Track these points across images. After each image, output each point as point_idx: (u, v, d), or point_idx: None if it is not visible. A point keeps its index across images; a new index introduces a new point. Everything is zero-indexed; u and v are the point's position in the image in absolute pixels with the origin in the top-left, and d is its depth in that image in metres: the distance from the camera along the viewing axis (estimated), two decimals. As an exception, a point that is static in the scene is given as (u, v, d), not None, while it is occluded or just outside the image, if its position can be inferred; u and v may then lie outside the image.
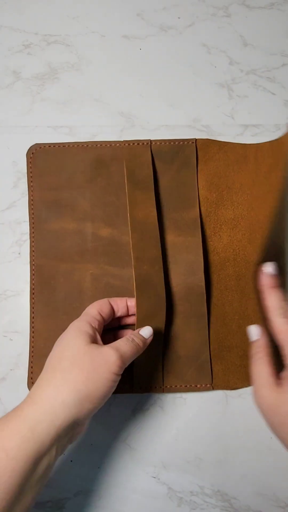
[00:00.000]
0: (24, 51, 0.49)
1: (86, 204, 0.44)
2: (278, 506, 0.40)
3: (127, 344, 0.34)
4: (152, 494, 0.40)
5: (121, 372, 0.33)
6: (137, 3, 0.50)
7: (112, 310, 0.39)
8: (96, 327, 0.36)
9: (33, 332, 0.42)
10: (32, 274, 0.43)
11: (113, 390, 0.32)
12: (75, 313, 0.41)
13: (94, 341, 0.34)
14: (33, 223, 0.44)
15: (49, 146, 0.45)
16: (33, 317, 0.42)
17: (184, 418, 0.42)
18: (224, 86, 0.48)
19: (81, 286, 0.42)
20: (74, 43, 0.49)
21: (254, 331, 0.37)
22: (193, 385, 0.41)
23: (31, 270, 0.43)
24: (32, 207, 0.44)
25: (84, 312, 0.38)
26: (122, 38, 0.49)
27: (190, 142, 0.44)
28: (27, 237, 0.45)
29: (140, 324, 0.40)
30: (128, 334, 0.36)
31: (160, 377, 0.41)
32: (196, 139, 0.44)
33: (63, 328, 0.39)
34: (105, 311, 0.38)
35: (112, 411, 0.42)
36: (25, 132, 0.47)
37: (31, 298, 0.42)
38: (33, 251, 0.43)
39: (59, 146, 0.45)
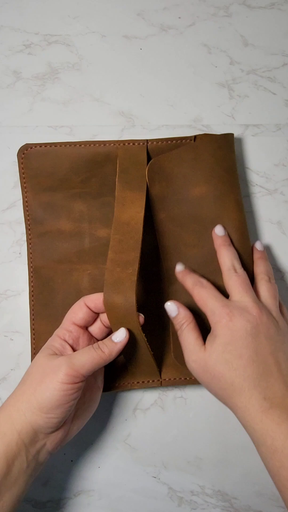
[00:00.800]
0: (25, 51, 0.49)
1: (82, 205, 0.43)
2: (279, 506, 0.40)
3: (87, 352, 0.34)
4: (152, 494, 0.40)
5: (76, 381, 0.33)
6: (138, 3, 0.50)
7: (90, 311, 0.38)
8: (66, 338, 0.37)
9: (33, 334, 0.42)
10: (30, 276, 0.43)
11: (70, 398, 0.33)
12: None
13: (59, 352, 0.36)
14: (29, 225, 0.43)
15: (40, 146, 0.43)
16: (33, 319, 0.42)
17: (185, 418, 0.42)
18: (224, 86, 0.48)
19: (79, 287, 0.42)
20: (75, 43, 0.49)
21: (173, 307, 0.38)
22: (192, 378, 0.40)
23: (29, 272, 0.43)
24: (27, 209, 0.43)
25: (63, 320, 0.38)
26: (122, 38, 0.49)
27: (188, 140, 0.43)
28: (27, 237, 0.45)
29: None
30: (99, 341, 0.36)
31: (157, 370, 0.40)
32: (195, 136, 0.42)
33: None
34: (79, 316, 0.37)
35: (112, 410, 0.42)
36: (25, 132, 0.47)
37: (31, 300, 0.42)
38: (31, 253, 0.43)
39: (51, 146, 0.43)
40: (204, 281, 0.38)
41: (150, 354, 0.39)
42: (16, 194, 0.46)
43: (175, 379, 0.41)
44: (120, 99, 0.48)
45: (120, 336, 0.36)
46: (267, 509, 0.40)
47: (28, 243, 0.43)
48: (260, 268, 0.39)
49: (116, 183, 0.41)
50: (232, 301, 0.36)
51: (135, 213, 0.40)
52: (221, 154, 0.41)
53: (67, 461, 0.41)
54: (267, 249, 0.44)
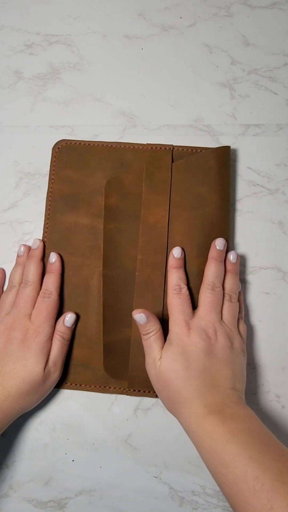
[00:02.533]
0: (26, 51, 0.49)
1: (102, 201, 0.44)
2: (280, 506, 0.40)
3: (60, 349, 0.40)
4: (153, 494, 0.40)
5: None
6: (139, 3, 0.50)
7: None
8: None
9: None
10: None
11: None
12: (79, 308, 0.42)
13: None
14: (49, 214, 0.44)
15: (75, 143, 0.45)
16: None
17: (186, 418, 0.42)
18: (225, 86, 0.48)
19: (88, 283, 0.43)
20: (76, 43, 0.50)
21: (141, 317, 0.38)
22: None
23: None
24: (50, 198, 0.44)
25: None
26: (123, 38, 0.49)
27: (210, 151, 0.44)
28: (29, 237, 0.45)
29: (136, 326, 0.41)
30: (58, 333, 0.40)
31: None
32: (217, 148, 0.44)
33: None
34: None
35: (113, 410, 0.42)
36: (26, 132, 0.47)
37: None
38: (45, 241, 0.44)
39: (84, 144, 0.45)
40: (184, 289, 0.40)
41: None
42: (17, 194, 0.46)
43: None
44: (121, 99, 0.48)
45: (70, 318, 0.41)
46: (268, 509, 0.40)
47: (44, 231, 0.44)
48: (226, 285, 0.41)
49: (143, 186, 0.43)
50: (195, 317, 0.38)
51: (160, 216, 0.42)
52: (216, 171, 0.43)
53: (68, 460, 0.41)
54: (268, 249, 0.44)
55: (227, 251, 0.42)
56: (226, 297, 0.40)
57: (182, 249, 0.41)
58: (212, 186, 0.43)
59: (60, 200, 0.44)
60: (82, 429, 0.42)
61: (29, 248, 0.44)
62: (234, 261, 0.41)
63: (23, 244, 0.44)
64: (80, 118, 0.48)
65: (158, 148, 0.44)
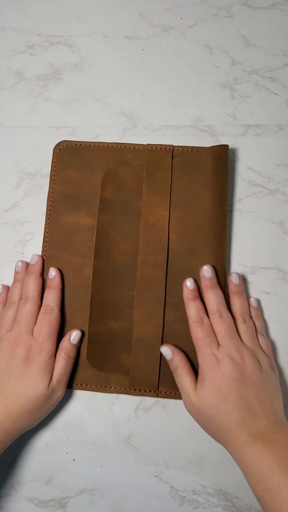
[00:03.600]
0: (27, 51, 0.50)
1: None
2: (280, 505, 0.40)
3: (65, 367, 0.40)
4: (154, 493, 0.41)
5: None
6: (140, 4, 0.50)
7: None
8: None
9: None
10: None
11: None
12: (80, 308, 0.42)
13: None
14: (50, 214, 0.44)
15: (76, 144, 0.46)
16: None
17: (186, 417, 0.42)
18: (226, 86, 0.48)
19: (89, 283, 0.43)
20: (77, 44, 0.50)
21: (167, 351, 0.40)
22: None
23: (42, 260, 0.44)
24: (51, 199, 0.45)
25: None
26: (124, 38, 0.50)
27: (206, 149, 0.44)
28: (30, 237, 0.45)
29: (138, 324, 0.41)
30: (63, 351, 0.40)
31: (156, 381, 0.41)
32: (214, 146, 0.44)
33: (65, 321, 0.42)
34: None
35: (114, 410, 0.42)
36: (27, 133, 0.48)
37: None
38: (46, 241, 0.44)
39: (85, 145, 0.46)
40: (205, 319, 0.39)
41: (158, 363, 0.41)
42: (18, 194, 0.46)
43: (171, 392, 0.41)
44: (122, 99, 0.48)
45: (76, 336, 0.41)
46: (269, 508, 0.40)
47: (45, 231, 0.44)
48: (236, 307, 0.41)
49: (143, 186, 0.43)
50: (220, 347, 0.38)
51: (160, 216, 0.43)
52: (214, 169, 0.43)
53: (69, 460, 0.41)
54: (268, 249, 0.44)
55: (220, 267, 0.42)
56: (240, 320, 0.40)
57: (195, 280, 0.41)
58: (206, 185, 0.43)
59: (61, 200, 0.44)
60: (83, 428, 0.42)
61: (27, 264, 0.44)
62: (237, 282, 0.42)
63: (20, 260, 0.44)
64: (81, 118, 0.48)
65: (158, 148, 0.45)
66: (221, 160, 0.44)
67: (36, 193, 0.46)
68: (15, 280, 0.43)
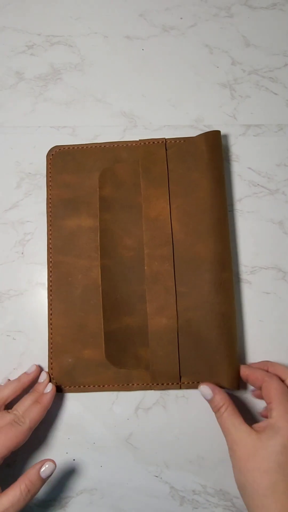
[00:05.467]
0: (27, 51, 0.50)
1: None
2: (280, 505, 0.40)
3: (17, 502, 0.33)
4: (154, 493, 0.41)
5: None
6: (140, 3, 0.50)
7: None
8: None
9: (51, 329, 0.42)
10: (49, 271, 0.43)
11: None
12: (92, 310, 0.42)
13: None
14: (51, 220, 0.44)
15: (68, 148, 0.46)
16: (51, 314, 0.42)
17: (187, 417, 0.42)
18: (226, 86, 0.48)
19: (99, 283, 0.43)
20: (77, 44, 0.50)
21: (206, 391, 0.38)
22: (208, 383, 0.40)
23: (49, 267, 0.43)
24: (50, 204, 0.44)
25: None
26: (124, 38, 0.50)
27: (200, 136, 0.44)
28: (30, 237, 0.45)
29: (152, 317, 0.41)
30: (23, 480, 0.34)
31: (177, 373, 0.41)
32: (206, 133, 0.44)
33: (79, 325, 0.42)
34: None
35: (114, 410, 0.42)
36: (28, 133, 0.48)
37: (49, 295, 0.43)
38: (50, 248, 0.44)
39: (77, 148, 0.46)
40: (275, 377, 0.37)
41: (176, 354, 0.41)
42: (19, 194, 0.46)
43: (193, 382, 0.41)
44: (122, 99, 0.48)
45: (48, 469, 0.35)
46: (269, 508, 0.40)
47: (48, 238, 0.44)
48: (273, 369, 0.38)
49: (141, 181, 0.44)
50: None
51: (161, 208, 0.43)
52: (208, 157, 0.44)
53: (69, 460, 0.41)
54: (268, 249, 0.44)
55: (225, 251, 0.42)
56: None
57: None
58: (203, 172, 0.43)
59: (60, 205, 0.44)
60: (83, 428, 0.42)
61: (34, 378, 0.41)
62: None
63: (36, 370, 0.41)
64: (81, 118, 0.48)
65: (151, 142, 0.45)
66: (215, 146, 0.44)
67: (36, 193, 0.46)
68: (19, 380, 0.41)
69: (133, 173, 0.44)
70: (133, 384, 0.41)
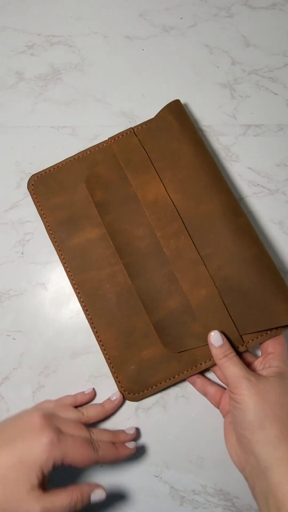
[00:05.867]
0: (27, 51, 0.50)
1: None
2: (280, 505, 0.40)
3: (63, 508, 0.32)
4: (154, 493, 0.41)
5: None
6: (140, 4, 0.50)
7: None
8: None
9: (102, 345, 0.42)
10: (77, 293, 0.43)
11: None
12: (133, 312, 0.42)
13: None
14: (58, 246, 0.44)
15: (45, 172, 0.45)
16: (96, 332, 0.42)
17: (187, 417, 0.42)
18: (226, 86, 0.48)
19: (128, 285, 0.42)
20: (77, 44, 0.50)
21: (218, 337, 0.38)
22: (272, 329, 0.39)
23: (75, 289, 0.43)
24: (51, 232, 0.44)
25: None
26: (124, 38, 0.50)
27: (163, 109, 0.45)
28: (30, 237, 0.45)
29: (191, 293, 0.40)
30: (76, 491, 0.33)
31: (237, 334, 0.39)
32: (168, 104, 0.45)
33: (127, 331, 0.42)
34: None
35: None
36: (28, 133, 0.48)
37: (86, 315, 0.42)
38: (69, 271, 0.43)
39: (54, 168, 0.45)
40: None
41: (229, 319, 0.39)
42: (19, 194, 0.46)
43: (257, 337, 0.39)
44: (122, 99, 0.48)
45: (100, 495, 0.34)
46: (269, 508, 0.40)
47: (63, 263, 0.43)
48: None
49: (126, 174, 0.43)
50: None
51: (156, 189, 0.43)
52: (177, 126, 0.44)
53: (69, 460, 0.41)
54: (268, 249, 0.44)
55: (230, 203, 0.42)
56: None
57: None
58: (180, 138, 0.43)
59: (60, 228, 0.44)
60: (83, 428, 0.42)
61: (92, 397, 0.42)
62: None
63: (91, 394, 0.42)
64: (81, 118, 0.48)
65: (120, 136, 0.45)
66: (180, 112, 0.44)
67: (36, 193, 0.46)
68: (103, 406, 0.41)
69: (115, 168, 0.44)
70: (200, 364, 0.40)
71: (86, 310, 0.42)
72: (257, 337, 0.39)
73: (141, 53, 0.49)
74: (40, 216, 0.45)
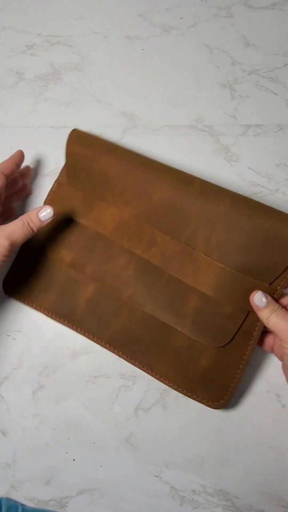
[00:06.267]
0: (27, 51, 0.50)
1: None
2: (280, 505, 0.40)
3: (21, 229, 0.37)
4: (154, 493, 0.41)
5: (11, 254, 0.37)
6: (140, 4, 0.50)
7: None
8: None
9: (165, 380, 0.40)
10: (116, 352, 0.41)
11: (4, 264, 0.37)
12: (165, 333, 0.40)
13: None
14: (68, 323, 0.42)
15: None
16: (151, 371, 0.40)
17: (187, 417, 0.42)
18: (226, 86, 0.48)
19: (147, 314, 0.41)
20: (77, 44, 0.50)
21: (261, 296, 0.36)
22: None
23: (109, 348, 0.41)
24: (53, 316, 0.43)
25: None
26: (124, 38, 0.50)
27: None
28: (30, 236, 0.45)
29: (199, 284, 0.39)
30: (25, 216, 0.37)
31: (262, 285, 0.38)
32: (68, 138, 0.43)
33: (173, 352, 0.39)
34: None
35: (114, 410, 0.42)
36: (28, 133, 0.48)
37: (133, 363, 0.41)
38: (96, 338, 0.42)
39: None
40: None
41: (247, 278, 0.38)
42: (18, 194, 0.46)
43: (285, 277, 0.37)
44: (122, 99, 0.48)
45: (47, 215, 0.38)
46: (269, 508, 0.40)
47: (86, 336, 0.42)
48: None
49: (79, 221, 0.42)
50: None
51: (110, 215, 0.42)
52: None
53: (69, 460, 0.41)
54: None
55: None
56: None
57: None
58: (96, 159, 0.42)
59: (61, 307, 0.43)
60: (83, 428, 0.42)
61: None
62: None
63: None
64: (81, 118, 0.48)
65: (52, 193, 0.44)
66: (82, 137, 0.43)
67: (37, 193, 0.46)
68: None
69: (67, 223, 0.42)
70: (252, 335, 0.39)
71: (131, 359, 0.41)
72: (285, 277, 0.37)
73: (141, 53, 0.49)
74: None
